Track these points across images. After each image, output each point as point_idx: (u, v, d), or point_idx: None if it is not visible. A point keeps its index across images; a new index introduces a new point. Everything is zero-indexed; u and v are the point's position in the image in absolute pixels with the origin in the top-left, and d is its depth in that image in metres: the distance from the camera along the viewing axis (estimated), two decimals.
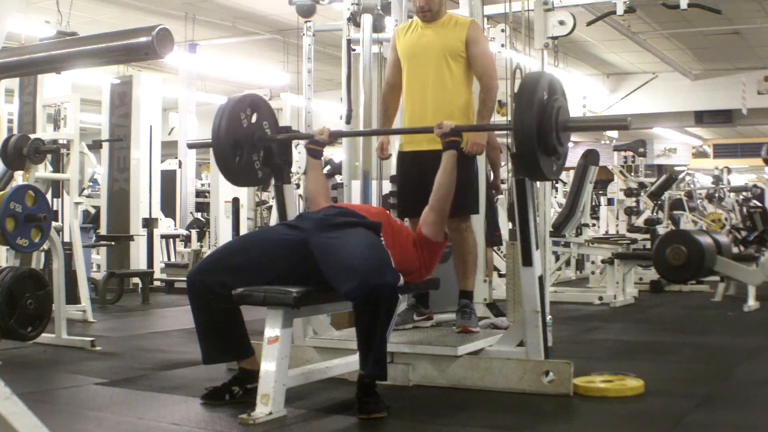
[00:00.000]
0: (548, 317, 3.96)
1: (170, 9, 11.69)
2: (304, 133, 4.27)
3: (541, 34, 4.68)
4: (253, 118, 3.77)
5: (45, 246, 4.94)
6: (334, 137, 3.93)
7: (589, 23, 6.84)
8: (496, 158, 5.89)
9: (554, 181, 9.16)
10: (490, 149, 5.06)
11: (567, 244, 8.82)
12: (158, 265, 9.35)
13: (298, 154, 6.70)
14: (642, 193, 10.86)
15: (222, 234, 9.62)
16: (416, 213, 4.01)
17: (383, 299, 3.05)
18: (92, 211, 9.81)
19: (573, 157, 7.80)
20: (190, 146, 4.77)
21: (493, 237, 5.62)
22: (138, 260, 8.90)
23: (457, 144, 3.63)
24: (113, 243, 8.53)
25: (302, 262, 3.29)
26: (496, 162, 5.88)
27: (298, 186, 7.00)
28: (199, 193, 14.15)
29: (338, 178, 5.29)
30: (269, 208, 9.25)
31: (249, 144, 3.73)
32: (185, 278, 3.38)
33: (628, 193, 10.58)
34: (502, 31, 5.37)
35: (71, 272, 6.04)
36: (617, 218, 10.83)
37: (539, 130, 3.28)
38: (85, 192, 8.99)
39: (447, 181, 3.59)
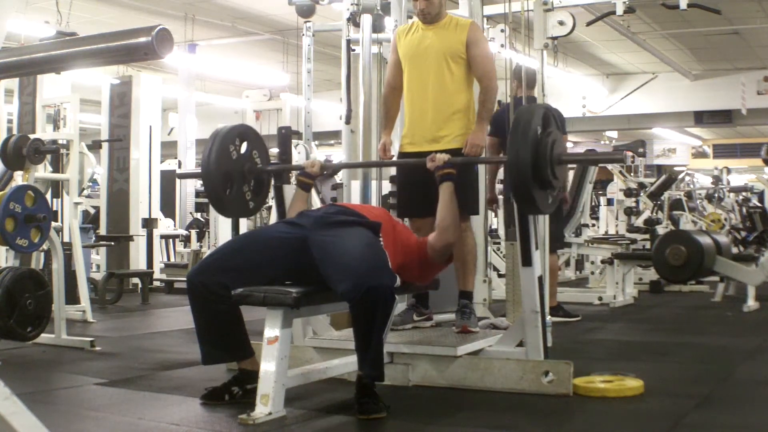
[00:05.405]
0: (548, 317, 3.96)
1: (170, 9, 11.68)
2: (296, 164, 4.16)
3: (540, 34, 4.68)
4: (243, 148, 3.78)
5: (45, 246, 4.93)
6: (325, 170, 3.89)
7: (589, 23, 6.84)
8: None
9: None
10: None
11: (567, 244, 8.81)
12: (158, 266, 9.35)
13: (298, 154, 6.69)
14: (642, 194, 10.84)
15: (221, 234, 9.60)
16: (416, 213, 4.00)
17: (379, 300, 3.05)
18: (92, 211, 9.80)
19: None
20: (180, 177, 4.74)
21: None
22: (138, 260, 8.90)
23: (451, 176, 3.59)
24: (113, 243, 8.52)
25: (301, 260, 3.28)
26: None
27: None
28: (198, 193, 14.09)
29: (338, 178, 5.29)
30: (269, 208, 9.24)
31: (239, 176, 3.75)
32: (185, 278, 3.38)
33: (628, 193, 10.56)
34: (502, 31, 5.37)
35: (71, 272, 6.04)
36: (617, 218, 10.81)
37: (534, 165, 3.24)
38: (85, 192, 8.96)
39: (448, 214, 3.55)
